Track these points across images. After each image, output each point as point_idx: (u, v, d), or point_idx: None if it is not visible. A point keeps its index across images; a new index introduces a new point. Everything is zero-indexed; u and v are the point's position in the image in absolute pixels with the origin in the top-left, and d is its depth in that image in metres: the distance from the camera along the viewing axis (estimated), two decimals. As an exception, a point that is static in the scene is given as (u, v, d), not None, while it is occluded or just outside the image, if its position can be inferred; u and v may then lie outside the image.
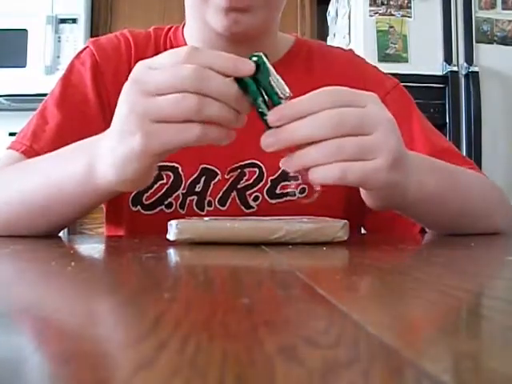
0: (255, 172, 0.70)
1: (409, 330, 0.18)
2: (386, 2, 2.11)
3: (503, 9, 2.14)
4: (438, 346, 0.16)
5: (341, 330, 0.18)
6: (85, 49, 0.75)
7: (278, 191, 0.70)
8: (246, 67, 0.42)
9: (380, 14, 2.11)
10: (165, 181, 0.68)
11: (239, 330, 0.17)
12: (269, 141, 0.43)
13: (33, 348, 0.16)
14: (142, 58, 0.46)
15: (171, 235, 0.47)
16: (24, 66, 2.54)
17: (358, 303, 0.23)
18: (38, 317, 0.20)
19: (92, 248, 0.53)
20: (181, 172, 0.68)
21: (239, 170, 0.70)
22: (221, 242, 0.46)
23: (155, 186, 0.68)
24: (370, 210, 0.56)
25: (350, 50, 0.91)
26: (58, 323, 0.19)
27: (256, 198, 0.69)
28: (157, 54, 0.45)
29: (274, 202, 0.69)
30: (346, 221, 0.48)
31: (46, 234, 0.59)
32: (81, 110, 0.70)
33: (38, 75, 2.51)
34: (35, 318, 0.20)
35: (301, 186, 0.69)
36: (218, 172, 0.69)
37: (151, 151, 0.44)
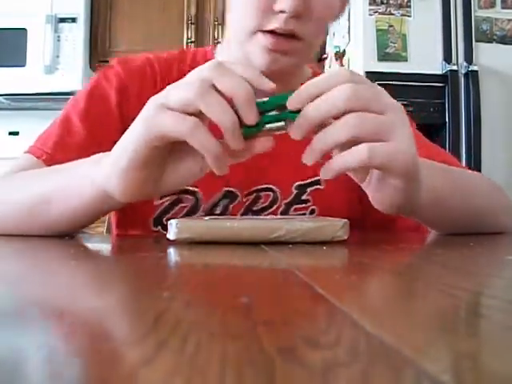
0: (270, 196, 0.74)
1: (409, 330, 0.18)
2: (385, 1, 2.11)
3: (503, 8, 2.14)
4: (438, 345, 0.16)
5: (341, 330, 0.18)
6: (111, 67, 0.77)
7: (290, 213, 0.74)
8: (268, 83, 0.43)
9: (379, 13, 2.11)
10: (185, 204, 0.72)
11: (239, 330, 0.17)
12: (295, 130, 0.43)
13: (34, 347, 0.16)
14: (167, 83, 0.46)
15: (171, 234, 0.47)
16: (23, 66, 2.53)
17: (358, 303, 0.23)
18: (39, 316, 0.20)
19: (92, 247, 0.53)
20: (200, 196, 0.72)
21: (255, 194, 0.74)
22: (221, 241, 0.46)
23: (176, 209, 0.72)
24: (371, 214, 0.56)
25: None
26: (58, 323, 0.19)
27: None
28: (182, 77, 0.46)
29: None
30: (346, 220, 0.48)
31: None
32: (104, 126, 0.71)
33: (38, 74, 2.50)
34: (36, 317, 0.20)
35: (310, 208, 0.75)
36: (239, 195, 0.73)
37: (147, 136, 0.45)
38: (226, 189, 0.73)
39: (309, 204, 0.74)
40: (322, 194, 0.75)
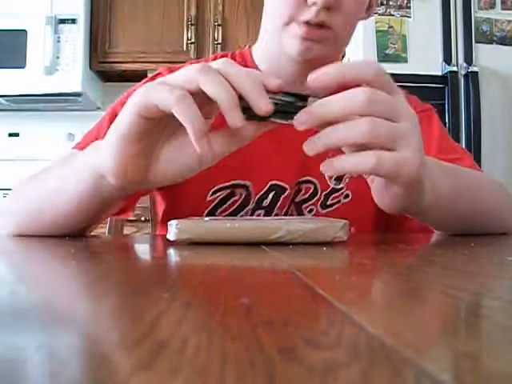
0: (310, 188, 0.79)
1: (409, 330, 0.18)
2: (385, 2, 2.11)
3: (502, 9, 2.14)
4: (438, 345, 0.16)
5: (341, 330, 0.18)
6: (159, 73, 0.80)
7: (328, 202, 0.79)
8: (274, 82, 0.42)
9: (379, 14, 2.11)
10: (237, 197, 0.76)
11: (239, 330, 0.17)
12: (302, 119, 0.42)
13: (33, 348, 0.16)
14: None
15: (171, 235, 0.47)
16: (23, 67, 2.53)
17: (358, 303, 0.23)
18: (38, 317, 0.20)
19: (93, 248, 0.53)
20: (251, 189, 0.76)
21: (297, 187, 0.78)
22: (221, 241, 0.46)
23: (228, 202, 0.76)
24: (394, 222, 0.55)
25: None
26: (58, 323, 0.19)
27: (310, 211, 0.79)
28: None
29: (324, 211, 0.79)
30: (346, 221, 0.48)
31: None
32: None
33: (38, 76, 2.51)
34: (35, 317, 0.20)
35: (344, 194, 0.79)
36: (287, 187, 0.77)
37: (137, 106, 0.44)
38: (272, 182, 0.77)
39: (343, 190, 0.78)
40: (355, 181, 0.77)
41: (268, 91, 0.42)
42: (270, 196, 0.76)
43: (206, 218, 0.53)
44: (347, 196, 0.78)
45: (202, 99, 0.41)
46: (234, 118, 0.40)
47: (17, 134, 2.81)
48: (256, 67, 0.80)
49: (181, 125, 0.42)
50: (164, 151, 0.48)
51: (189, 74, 0.42)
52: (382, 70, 0.44)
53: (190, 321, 0.19)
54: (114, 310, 0.22)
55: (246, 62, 0.81)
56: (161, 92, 0.42)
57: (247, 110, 0.41)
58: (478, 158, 2.02)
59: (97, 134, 0.72)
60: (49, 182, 0.60)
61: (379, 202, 0.50)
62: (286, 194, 0.77)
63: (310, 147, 0.43)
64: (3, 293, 0.26)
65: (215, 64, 0.43)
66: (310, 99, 0.43)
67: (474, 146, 2.03)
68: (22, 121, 2.80)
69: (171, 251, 0.44)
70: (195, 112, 0.41)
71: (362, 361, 0.14)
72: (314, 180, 0.78)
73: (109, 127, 0.58)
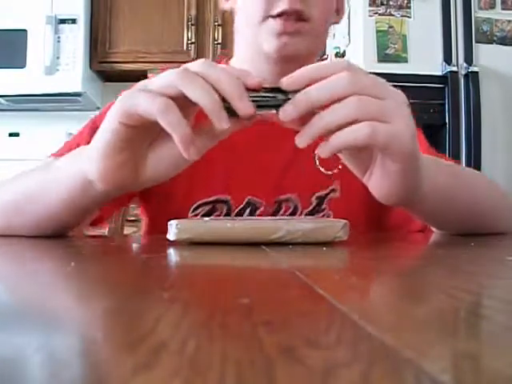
0: (290, 207, 0.76)
1: (409, 330, 0.18)
2: (385, 2, 2.11)
3: (503, 9, 2.14)
4: (438, 345, 0.16)
5: (341, 330, 0.18)
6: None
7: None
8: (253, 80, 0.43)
9: (379, 14, 2.11)
10: (218, 212, 0.74)
11: (239, 330, 0.17)
12: (288, 110, 0.42)
13: (33, 348, 0.16)
14: None
15: (171, 235, 0.47)
16: (23, 67, 2.54)
17: (358, 303, 0.23)
18: (39, 317, 0.20)
19: (92, 248, 0.53)
20: (231, 204, 0.75)
21: (276, 204, 0.76)
22: (221, 242, 0.46)
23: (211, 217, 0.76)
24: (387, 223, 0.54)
25: None
26: (58, 323, 0.19)
27: None
28: None
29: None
30: (346, 221, 0.48)
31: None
32: None
33: (38, 76, 2.51)
34: (35, 318, 0.20)
35: (326, 215, 0.76)
36: (262, 203, 0.75)
37: (120, 114, 0.45)
38: (249, 198, 0.75)
39: (325, 212, 0.76)
40: (337, 202, 0.76)
41: (249, 89, 0.42)
42: (247, 211, 0.75)
43: (206, 218, 0.53)
44: (329, 216, 0.76)
45: (183, 102, 0.42)
46: (220, 121, 0.41)
47: (17, 134, 2.81)
48: None
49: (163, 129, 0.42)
50: (150, 154, 0.49)
51: (170, 79, 0.42)
52: (354, 65, 0.44)
53: (190, 321, 0.19)
54: (113, 310, 0.22)
55: None
56: (143, 100, 0.43)
57: (230, 109, 0.41)
58: (478, 158, 2.02)
59: (76, 146, 0.72)
60: (31, 183, 0.59)
61: (378, 194, 0.50)
62: (259, 211, 0.75)
63: (301, 139, 0.43)
64: (3, 293, 0.26)
65: (195, 66, 0.43)
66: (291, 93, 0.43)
67: (474, 146, 2.03)
68: (22, 121, 2.80)
69: (171, 251, 0.44)
70: (180, 120, 0.41)
71: (362, 361, 0.14)
72: (293, 198, 0.76)
73: (88, 139, 0.59)
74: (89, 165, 0.50)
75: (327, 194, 0.76)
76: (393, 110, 0.43)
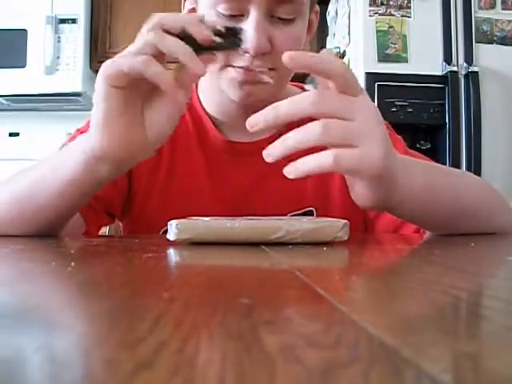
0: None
1: (409, 330, 0.18)
2: (385, 2, 2.11)
3: (503, 9, 2.14)
4: (438, 345, 0.16)
5: (341, 330, 0.18)
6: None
7: None
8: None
9: (380, 14, 2.11)
10: None
11: (239, 330, 0.17)
12: (253, 121, 0.44)
13: (33, 349, 0.16)
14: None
15: (171, 235, 0.47)
16: (24, 66, 2.54)
17: (358, 303, 0.23)
18: (39, 317, 0.20)
19: (92, 248, 0.53)
20: None
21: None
22: (221, 242, 0.46)
23: None
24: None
25: None
26: (58, 323, 0.19)
27: None
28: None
29: None
30: (346, 221, 0.48)
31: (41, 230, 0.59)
32: None
33: (38, 75, 2.51)
34: (36, 318, 0.20)
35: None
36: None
37: (108, 79, 0.49)
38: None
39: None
40: None
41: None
42: None
43: (206, 218, 0.53)
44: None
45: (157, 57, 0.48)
46: (197, 67, 0.48)
47: (17, 134, 2.81)
48: (204, 110, 0.78)
49: (153, 86, 0.49)
50: (148, 113, 0.52)
51: (142, 42, 0.49)
52: (320, 98, 0.44)
53: (190, 321, 0.19)
54: (114, 310, 0.22)
55: (194, 104, 0.78)
56: (126, 60, 0.48)
57: (197, 50, 0.49)
58: (478, 159, 2.02)
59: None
60: (36, 172, 0.59)
61: (354, 198, 0.51)
62: None
63: (269, 153, 0.44)
64: (3, 293, 0.26)
65: (155, 19, 0.49)
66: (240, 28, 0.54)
67: (475, 146, 2.02)
68: (22, 121, 2.80)
69: (171, 251, 0.44)
70: (162, 70, 0.48)
71: (362, 361, 0.14)
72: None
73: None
74: (94, 139, 0.51)
75: (303, 214, 0.75)
76: (360, 133, 0.44)
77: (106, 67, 0.49)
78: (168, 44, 0.48)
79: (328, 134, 0.43)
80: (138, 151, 0.53)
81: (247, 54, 0.63)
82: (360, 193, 0.50)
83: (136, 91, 0.51)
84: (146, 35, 0.49)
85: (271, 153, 0.44)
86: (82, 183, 0.55)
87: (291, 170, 0.44)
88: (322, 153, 0.43)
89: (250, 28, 0.62)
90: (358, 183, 0.49)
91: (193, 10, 0.73)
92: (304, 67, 0.44)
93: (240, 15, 0.63)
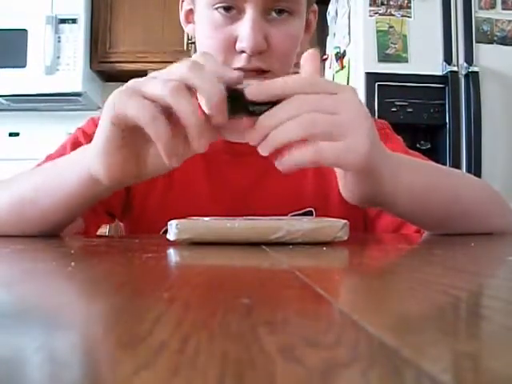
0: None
1: (408, 330, 0.18)
2: (385, 2, 2.11)
3: (503, 9, 2.14)
4: (438, 346, 0.16)
5: (341, 330, 0.18)
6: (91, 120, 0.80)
7: None
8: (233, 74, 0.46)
9: (380, 14, 2.11)
10: None
11: (239, 330, 0.17)
12: (251, 135, 0.45)
13: (33, 349, 0.16)
14: None
15: (171, 235, 0.47)
16: (24, 66, 2.54)
17: (358, 303, 0.23)
18: (39, 317, 0.20)
19: (92, 248, 0.53)
20: None
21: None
22: (221, 242, 0.46)
23: None
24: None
25: None
26: (58, 323, 0.19)
27: None
28: None
29: None
30: (346, 221, 0.48)
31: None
32: None
33: (38, 75, 2.51)
34: (35, 318, 0.20)
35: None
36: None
37: (113, 118, 0.46)
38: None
39: None
40: None
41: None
42: None
43: (206, 218, 0.53)
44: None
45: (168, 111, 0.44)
46: (199, 142, 0.44)
47: (17, 134, 2.81)
48: None
49: None
50: (149, 151, 0.51)
51: (157, 88, 0.44)
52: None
53: (190, 321, 0.19)
54: (113, 310, 0.22)
55: None
56: (132, 107, 0.44)
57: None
58: (478, 159, 2.02)
59: (57, 153, 0.73)
60: (36, 179, 0.60)
61: (342, 193, 0.52)
62: None
63: (264, 149, 0.45)
64: (3, 293, 0.26)
65: (181, 70, 0.44)
66: (244, 86, 0.46)
67: (475, 146, 2.02)
68: (22, 121, 2.80)
69: (171, 251, 0.44)
70: (164, 132, 0.44)
71: (362, 361, 0.14)
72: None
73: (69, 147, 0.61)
74: (92, 163, 0.52)
75: (303, 214, 0.75)
76: (345, 126, 0.44)
77: (114, 104, 0.46)
78: (180, 101, 0.43)
79: (312, 127, 0.43)
80: (136, 179, 0.54)
81: (244, 54, 0.63)
82: (347, 187, 0.51)
83: (139, 130, 0.47)
84: (163, 82, 0.44)
85: (265, 149, 0.45)
86: (81, 196, 0.57)
87: (280, 164, 0.45)
88: (303, 148, 0.44)
89: (245, 27, 0.62)
90: (346, 178, 0.50)
91: (190, 10, 0.73)
92: (274, 97, 0.44)
93: (236, 14, 0.64)
